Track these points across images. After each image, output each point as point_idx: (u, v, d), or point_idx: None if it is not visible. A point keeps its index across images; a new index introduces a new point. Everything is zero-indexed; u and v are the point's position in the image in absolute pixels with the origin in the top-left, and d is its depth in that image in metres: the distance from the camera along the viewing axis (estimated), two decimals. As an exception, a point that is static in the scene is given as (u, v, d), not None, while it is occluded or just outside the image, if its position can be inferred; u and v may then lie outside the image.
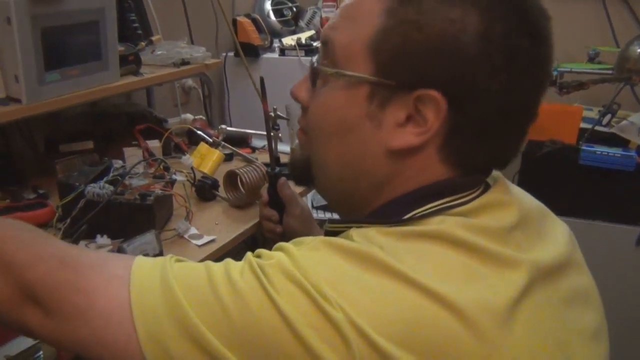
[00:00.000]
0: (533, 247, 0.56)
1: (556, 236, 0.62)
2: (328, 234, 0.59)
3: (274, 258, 0.50)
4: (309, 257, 0.50)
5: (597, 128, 1.84)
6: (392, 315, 0.46)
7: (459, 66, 0.52)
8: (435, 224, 0.52)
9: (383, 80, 0.55)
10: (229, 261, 0.53)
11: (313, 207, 1.70)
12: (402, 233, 0.52)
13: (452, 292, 0.47)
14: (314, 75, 0.61)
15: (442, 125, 0.54)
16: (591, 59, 1.95)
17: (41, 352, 0.68)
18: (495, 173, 0.62)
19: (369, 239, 0.51)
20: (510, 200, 0.57)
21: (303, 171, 0.66)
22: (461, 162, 0.57)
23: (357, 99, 0.56)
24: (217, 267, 0.51)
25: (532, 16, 0.54)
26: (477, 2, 0.52)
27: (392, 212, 0.57)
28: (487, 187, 0.59)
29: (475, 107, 0.54)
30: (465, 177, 0.57)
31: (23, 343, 0.65)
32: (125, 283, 0.51)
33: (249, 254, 0.53)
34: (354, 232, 0.53)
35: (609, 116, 1.79)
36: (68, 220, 0.95)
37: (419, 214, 0.54)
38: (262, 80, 1.07)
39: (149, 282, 0.51)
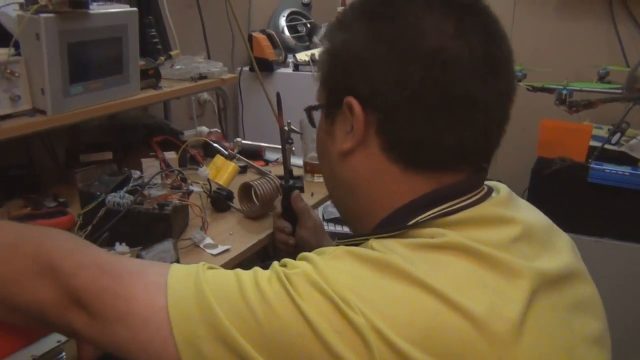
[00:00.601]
0: (538, 257, 0.59)
1: (561, 248, 0.65)
2: None
3: (299, 267, 0.54)
4: (331, 266, 0.53)
5: (607, 146, 1.85)
6: (410, 319, 0.49)
7: (356, 70, 0.61)
8: (440, 235, 0.56)
9: (326, 102, 0.66)
10: (257, 269, 0.56)
11: (324, 219, 1.73)
12: (417, 244, 0.55)
13: (466, 299, 0.50)
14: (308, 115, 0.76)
15: (367, 125, 0.61)
16: (601, 78, 1.97)
17: (64, 354, 0.70)
18: (501, 186, 0.65)
19: (389, 247, 0.55)
20: (511, 215, 0.60)
21: None
22: (414, 157, 0.61)
23: (322, 122, 0.68)
24: (246, 276, 0.55)
25: (421, 10, 0.59)
26: (365, 16, 0.62)
27: (395, 221, 0.61)
28: (488, 193, 0.62)
29: (384, 100, 0.59)
30: (460, 184, 0.61)
31: (47, 344, 0.68)
32: (162, 290, 0.55)
33: (275, 263, 0.57)
34: (374, 242, 0.57)
35: (618, 135, 1.81)
36: (89, 228, 0.99)
37: (421, 220, 0.58)
38: (278, 95, 1.10)
39: (184, 290, 0.55)
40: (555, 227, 0.69)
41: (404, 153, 0.61)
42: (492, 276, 0.53)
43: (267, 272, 0.55)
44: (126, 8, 1.19)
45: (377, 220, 0.63)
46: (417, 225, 0.58)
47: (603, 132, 2.06)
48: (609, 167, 1.71)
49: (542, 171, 1.80)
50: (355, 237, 0.62)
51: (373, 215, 0.64)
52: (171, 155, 1.35)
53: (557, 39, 2.38)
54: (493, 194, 0.63)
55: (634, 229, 1.70)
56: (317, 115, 0.72)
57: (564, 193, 1.77)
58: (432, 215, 0.58)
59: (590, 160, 1.78)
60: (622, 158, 1.81)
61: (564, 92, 1.69)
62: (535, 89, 1.84)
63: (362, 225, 0.66)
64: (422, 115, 0.58)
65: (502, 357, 0.49)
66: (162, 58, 1.45)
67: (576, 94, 1.77)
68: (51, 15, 1.01)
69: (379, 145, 0.61)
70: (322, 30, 2.32)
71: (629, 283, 1.72)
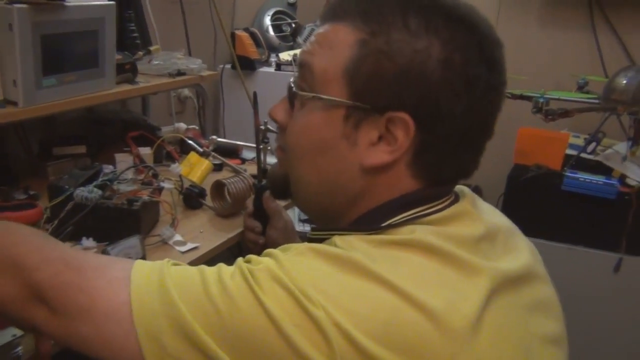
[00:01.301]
0: (499, 257, 0.61)
1: (521, 250, 0.67)
2: (311, 240, 0.64)
3: (263, 263, 0.55)
4: (294, 262, 0.54)
5: (584, 155, 1.88)
6: (369, 314, 0.50)
7: (425, 91, 0.58)
8: (408, 232, 0.57)
9: (358, 103, 0.60)
10: (221, 265, 0.57)
11: (300, 220, 1.73)
12: (379, 241, 0.56)
13: (425, 296, 0.51)
14: (292, 97, 0.66)
15: (411, 144, 0.59)
16: (580, 88, 1.99)
17: (20, 348, 0.70)
18: (465, 190, 0.67)
19: (351, 244, 0.56)
20: (477, 214, 0.63)
21: (282, 186, 0.72)
22: (429, 176, 0.62)
23: (333, 120, 0.61)
24: (210, 271, 0.56)
25: (487, 46, 0.60)
26: (439, 35, 0.58)
27: (370, 221, 0.62)
28: (456, 199, 0.64)
29: (441, 128, 0.59)
30: (434, 188, 0.62)
31: (2, 338, 0.68)
32: (125, 285, 0.55)
33: (239, 259, 0.57)
34: (337, 239, 0.58)
35: (593, 144, 1.83)
36: (55, 222, 0.98)
37: (394, 222, 0.59)
38: (255, 95, 1.10)
39: (147, 284, 0.55)
40: (516, 229, 0.71)
41: (429, 173, 0.62)
42: (452, 273, 0.55)
43: (230, 268, 0.56)
44: (103, 1, 1.18)
45: (352, 218, 0.64)
46: (391, 226, 0.59)
47: (580, 141, 2.08)
48: (583, 176, 1.73)
49: (518, 178, 1.81)
50: (329, 230, 0.63)
51: (350, 215, 0.65)
52: (146, 151, 1.35)
53: (540, 48, 2.41)
54: (460, 196, 0.65)
55: (605, 237, 1.73)
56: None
57: (538, 200, 1.79)
58: (407, 217, 0.60)
59: (565, 169, 1.80)
60: (597, 167, 1.84)
61: (541, 100, 1.71)
62: (514, 97, 1.85)
63: (334, 222, 0.67)
64: (465, 145, 0.62)
65: (457, 352, 0.50)
66: (141, 53, 1.44)
67: (553, 103, 1.79)
68: (25, 6, 1.00)
69: (408, 161, 0.61)
70: (307, 31, 2.32)
71: (599, 290, 1.75)
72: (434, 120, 0.59)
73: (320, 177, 0.65)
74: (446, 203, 0.62)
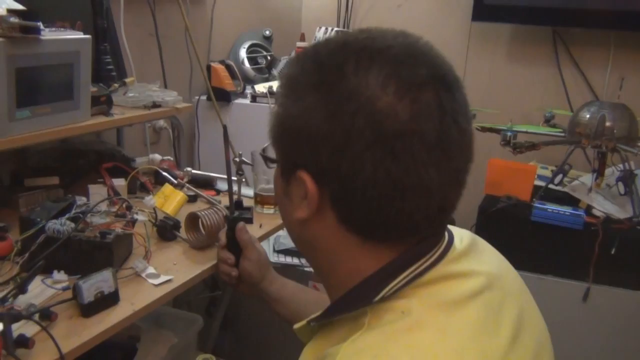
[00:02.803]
0: (503, 305, 0.63)
1: (519, 287, 0.71)
2: (314, 330, 0.67)
3: None
4: None
5: (552, 187, 1.93)
6: None
7: (310, 148, 0.59)
8: (407, 312, 0.57)
9: (280, 163, 0.66)
10: None
11: (275, 250, 1.73)
12: (391, 332, 0.56)
13: None
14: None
15: (321, 198, 0.61)
16: (547, 121, 2.06)
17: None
18: (465, 235, 0.69)
19: (363, 351, 0.55)
20: (473, 269, 0.64)
21: None
22: (371, 234, 0.61)
23: (278, 178, 0.68)
24: None
25: (379, 91, 0.57)
26: (323, 90, 0.59)
27: (366, 292, 0.60)
28: (449, 246, 0.64)
29: (340, 181, 0.58)
30: (411, 250, 0.61)
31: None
32: None
33: None
34: (349, 348, 0.56)
35: (560, 176, 1.89)
36: (26, 255, 0.97)
37: (393, 289, 0.59)
38: (225, 129, 1.12)
39: None
40: (509, 265, 0.74)
41: (360, 229, 0.61)
42: (470, 343, 0.56)
43: None
44: (79, 35, 1.19)
45: (345, 284, 0.63)
46: (385, 298, 0.59)
47: (548, 172, 2.14)
48: (551, 207, 1.78)
49: (489, 209, 1.85)
50: (329, 315, 0.64)
51: (341, 278, 0.64)
52: (120, 182, 1.35)
53: (508, 82, 2.49)
54: (455, 242, 0.65)
55: (573, 267, 1.76)
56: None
57: (508, 231, 1.83)
58: (402, 283, 0.59)
59: (534, 200, 1.85)
60: (565, 198, 1.89)
61: (509, 133, 1.76)
62: (484, 129, 1.91)
63: (330, 284, 0.68)
64: (375, 202, 0.58)
65: None
66: (116, 85, 1.45)
67: (521, 136, 1.84)
68: (0, 39, 1.01)
69: (336, 217, 0.61)
70: (282, 63, 2.36)
71: (568, 319, 1.78)
72: (327, 174, 0.59)
73: (287, 228, 0.72)
74: (435, 255, 0.62)
